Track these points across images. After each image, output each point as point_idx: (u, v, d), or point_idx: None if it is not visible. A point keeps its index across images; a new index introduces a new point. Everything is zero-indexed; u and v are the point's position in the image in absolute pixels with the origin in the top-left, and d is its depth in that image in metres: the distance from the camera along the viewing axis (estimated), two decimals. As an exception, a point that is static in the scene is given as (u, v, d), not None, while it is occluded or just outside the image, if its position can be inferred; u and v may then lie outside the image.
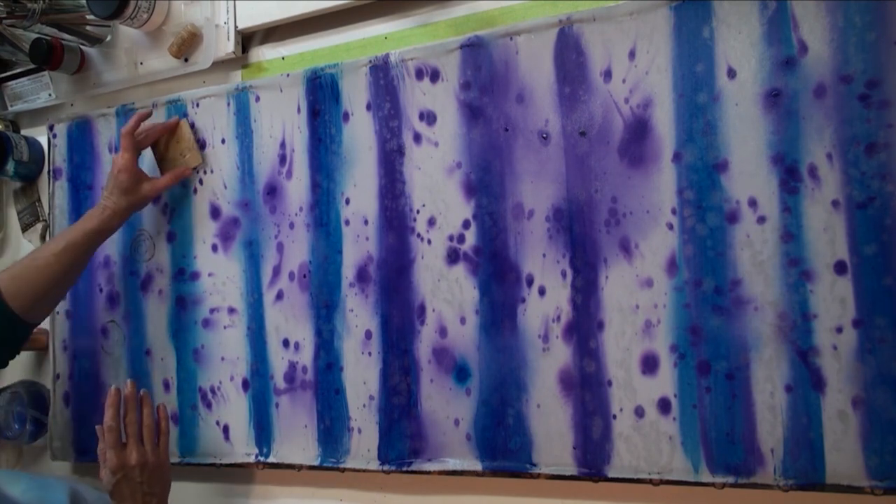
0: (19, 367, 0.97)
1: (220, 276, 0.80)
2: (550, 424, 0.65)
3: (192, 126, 0.81)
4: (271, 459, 0.77)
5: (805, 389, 0.57)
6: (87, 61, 0.92)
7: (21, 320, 0.72)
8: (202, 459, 0.80)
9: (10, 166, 0.94)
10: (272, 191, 0.78)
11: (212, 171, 0.81)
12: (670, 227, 0.62)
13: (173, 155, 0.82)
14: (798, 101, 0.58)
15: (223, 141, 0.80)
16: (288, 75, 0.77)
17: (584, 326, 0.64)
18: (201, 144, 0.81)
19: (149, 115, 0.82)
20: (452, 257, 0.70)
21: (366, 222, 0.73)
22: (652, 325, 0.62)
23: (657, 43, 0.62)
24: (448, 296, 0.69)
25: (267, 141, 0.78)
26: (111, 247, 0.87)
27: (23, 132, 1.00)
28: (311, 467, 0.75)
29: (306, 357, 0.76)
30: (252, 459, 0.78)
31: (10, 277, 0.72)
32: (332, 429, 0.74)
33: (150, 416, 0.73)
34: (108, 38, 0.90)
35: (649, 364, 0.62)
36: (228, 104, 0.80)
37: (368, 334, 0.73)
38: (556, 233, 0.66)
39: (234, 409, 0.79)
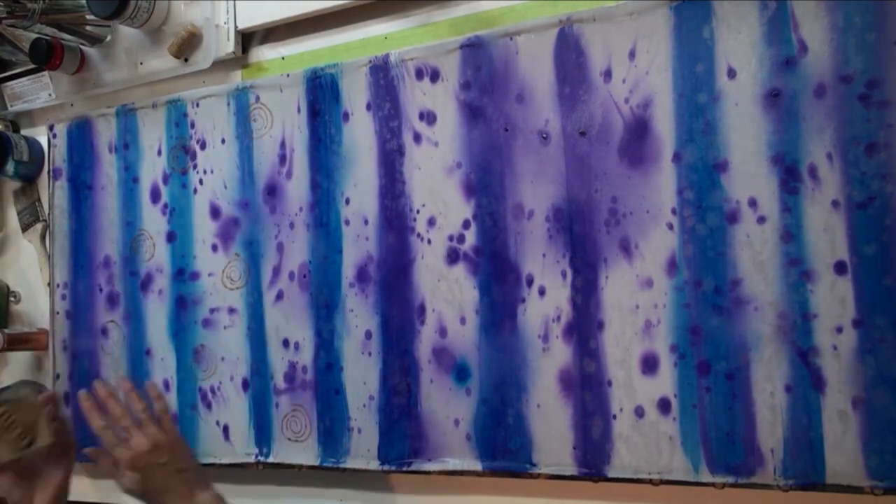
0: (19, 367, 0.97)
1: (219, 276, 0.80)
2: (550, 424, 0.65)
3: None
4: (271, 459, 0.77)
5: (805, 389, 0.57)
6: (87, 61, 0.91)
7: None
8: (202, 459, 0.80)
9: (10, 166, 0.93)
10: (272, 191, 0.78)
11: (212, 171, 0.81)
12: (670, 227, 0.62)
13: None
14: (798, 101, 0.58)
15: (223, 141, 0.80)
16: (288, 75, 0.77)
17: (584, 326, 0.64)
18: (192, 149, 0.80)
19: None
20: (452, 257, 0.70)
21: (366, 222, 0.73)
22: (652, 325, 0.62)
23: (657, 43, 0.62)
24: (448, 296, 0.69)
25: (267, 141, 0.78)
26: (111, 247, 0.87)
27: (23, 132, 1.00)
28: (311, 467, 0.75)
29: (306, 357, 0.76)
30: (252, 459, 0.77)
31: None
32: (332, 429, 0.74)
33: (139, 400, 0.66)
34: (108, 38, 0.90)
35: (649, 364, 0.62)
36: (228, 104, 0.80)
37: (368, 334, 0.73)
38: (555, 233, 0.66)
39: (234, 409, 0.79)
